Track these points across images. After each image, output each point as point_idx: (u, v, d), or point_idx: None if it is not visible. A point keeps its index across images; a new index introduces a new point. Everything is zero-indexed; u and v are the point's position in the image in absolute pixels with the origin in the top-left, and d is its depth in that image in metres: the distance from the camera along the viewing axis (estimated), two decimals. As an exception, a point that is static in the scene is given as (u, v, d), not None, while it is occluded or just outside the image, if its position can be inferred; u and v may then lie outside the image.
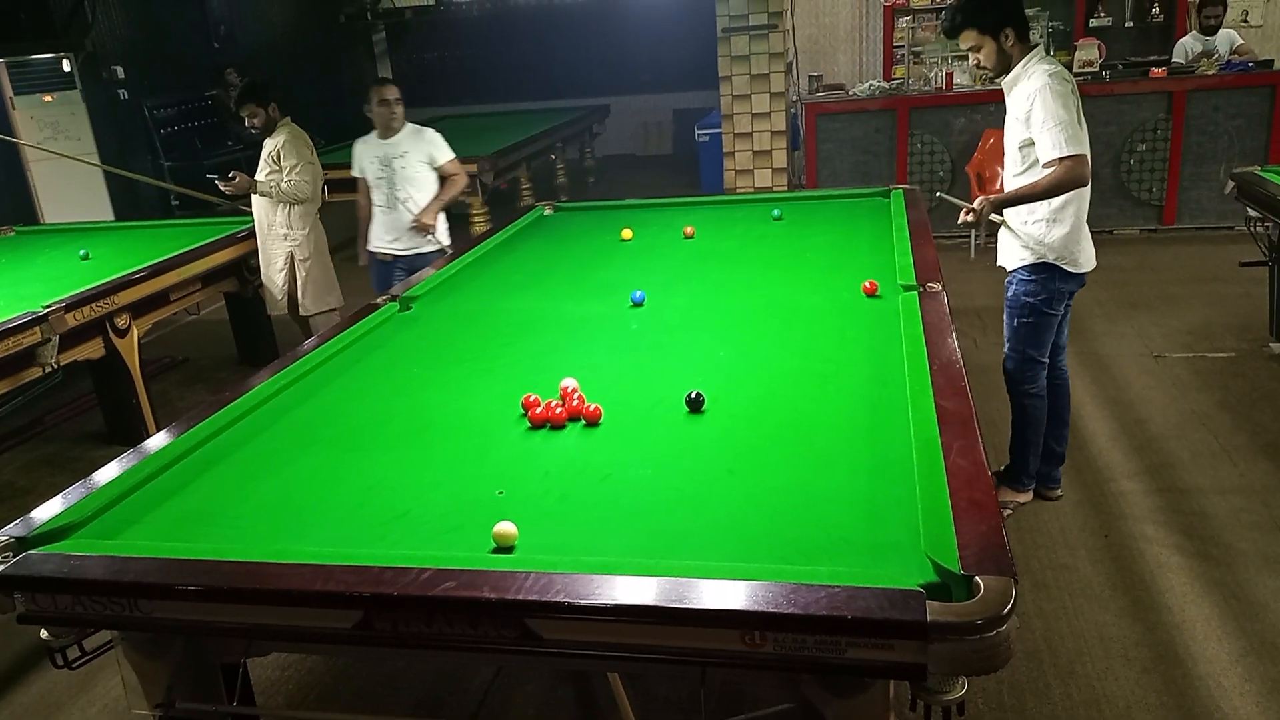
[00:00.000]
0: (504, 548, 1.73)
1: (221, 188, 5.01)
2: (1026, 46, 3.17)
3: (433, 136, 4.77)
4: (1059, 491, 3.57)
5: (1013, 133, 3.22)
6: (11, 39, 7.50)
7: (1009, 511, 3.47)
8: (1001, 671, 2.54)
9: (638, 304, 3.20)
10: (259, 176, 5.03)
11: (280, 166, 4.98)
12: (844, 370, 2.50)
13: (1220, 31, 7.11)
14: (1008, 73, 3.20)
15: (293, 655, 2.91)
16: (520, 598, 1.52)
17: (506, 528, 1.74)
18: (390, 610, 1.57)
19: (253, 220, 5.21)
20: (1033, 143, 3.11)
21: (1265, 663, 2.63)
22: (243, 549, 1.77)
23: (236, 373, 5.53)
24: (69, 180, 8.07)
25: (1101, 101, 6.72)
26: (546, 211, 4.88)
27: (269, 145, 5.04)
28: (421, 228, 4.67)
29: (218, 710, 1.95)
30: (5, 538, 1.84)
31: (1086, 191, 3.17)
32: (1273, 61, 6.90)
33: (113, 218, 8.11)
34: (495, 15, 12.00)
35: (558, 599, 1.51)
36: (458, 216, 8.18)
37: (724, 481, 1.98)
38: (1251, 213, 4.62)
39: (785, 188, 7.61)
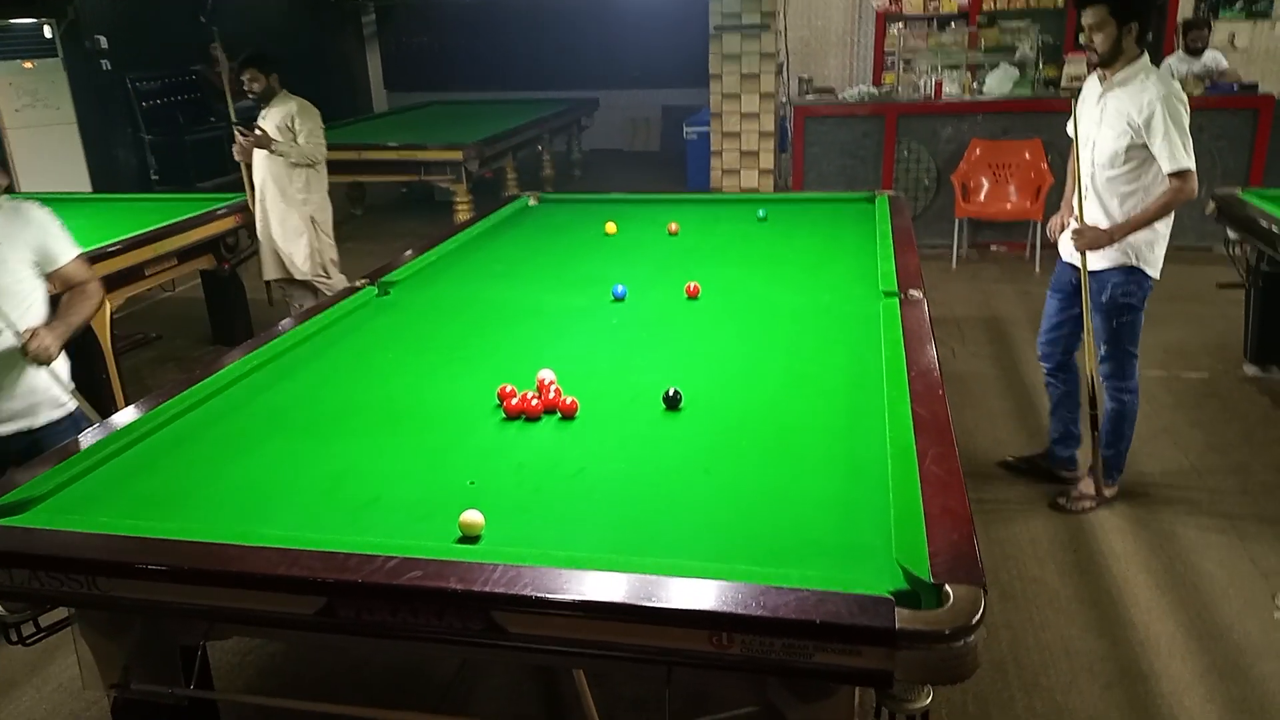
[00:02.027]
0: (470, 537, 1.71)
1: (240, 139, 5.10)
2: (1137, 51, 3.23)
3: (43, 219, 2.89)
4: (1078, 475, 3.74)
5: (1115, 130, 3.24)
6: (-7, 3, 7.38)
7: (1091, 505, 3.57)
8: (967, 681, 2.55)
9: (619, 298, 3.18)
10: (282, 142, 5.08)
11: (295, 130, 5.07)
12: (823, 373, 2.49)
13: (1206, 53, 7.17)
14: (1109, 66, 3.25)
15: (254, 640, 2.87)
16: (487, 590, 1.50)
17: (473, 516, 1.72)
18: (354, 598, 1.55)
19: (236, 197, 5.18)
20: (1143, 146, 3.19)
21: (1227, 682, 2.65)
22: (206, 530, 1.74)
23: (210, 352, 5.46)
24: (46, 149, 7.96)
25: (1088, 117, 6.74)
26: (531, 202, 4.85)
27: (276, 113, 5.11)
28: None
29: (174, 693, 1.92)
30: (-38, 510, 1.80)
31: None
32: (1257, 85, 6.97)
33: (90, 189, 8.00)
34: (487, 2, 11.95)
35: (525, 592, 1.49)
36: (441, 204, 8.15)
37: (699, 480, 1.96)
38: (1231, 235, 4.66)
39: (771, 189, 7.62)
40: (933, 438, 1.98)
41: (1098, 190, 3.35)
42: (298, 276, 5.32)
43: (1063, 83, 7.26)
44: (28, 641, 1.83)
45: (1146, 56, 3.25)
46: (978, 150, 6.97)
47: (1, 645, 2.84)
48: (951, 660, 1.38)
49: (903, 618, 1.39)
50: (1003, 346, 5.25)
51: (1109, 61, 3.24)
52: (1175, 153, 3.12)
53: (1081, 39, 3.29)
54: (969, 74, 7.66)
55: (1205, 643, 2.82)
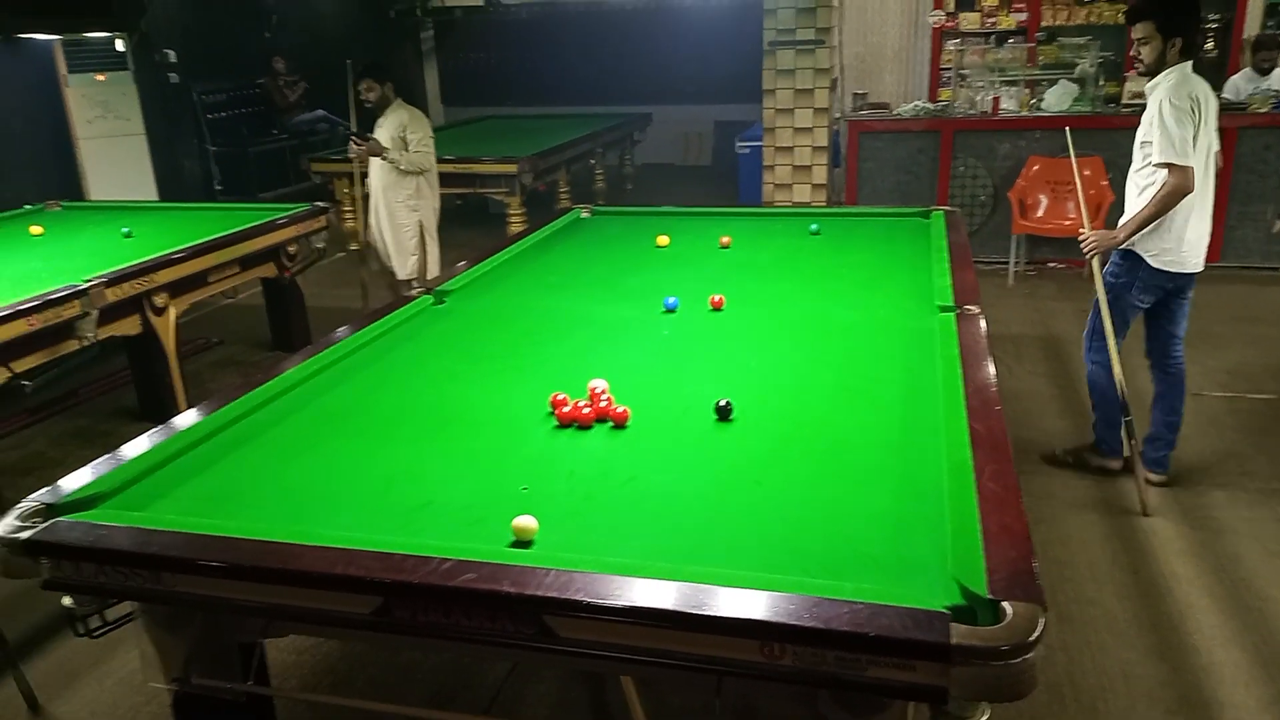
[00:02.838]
0: (523, 541, 1.72)
1: (353, 145, 5.47)
2: (1179, 63, 3.49)
3: None
4: (1118, 462, 3.91)
5: (1140, 131, 3.58)
6: (69, 16, 7.63)
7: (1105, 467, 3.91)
8: (1023, 705, 2.50)
9: (670, 310, 3.19)
10: (391, 150, 5.37)
11: (406, 139, 5.34)
12: (876, 387, 2.47)
13: (1275, 72, 7.00)
14: (1153, 76, 3.53)
15: (309, 640, 2.92)
16: (539, 594, 1.51)
17: (527, 521, 1.73)
18: (409, 598, 1.57)
19: (297, 207, 5.38)
20: (1149, 141, 3.50)
21: (1293, 712, 2.57)
22: (266, 529, 1.77)
23: (269, 357, 5.58)
24: (116, 159, 8.20)
25: (1150, 134, 6.62)
26: (584, 214, 4.88)
27: (390, 122, 5.41)
28: None
29: (233, 688, 1.96)
30: (34, 504, 1.86)
31: (1188, 200, 3.47)
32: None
33: (157, 198, 8.23)
34: (543, 19, 12.08)
35: (577, 597, 1.50)
36: (494, 216, 8.25)
37: (750, 491, 1.96)
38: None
39: (824, 204, 7.58)
40: (990, 454, 1.95)
41: (1129, 186, 3.67)
42: (400, 277, 5.58)
43: (1123, 99, 7.15)
44: (94, 634, 1.88)
45: (1182, 67, 3.48)
46: (1035, 166, 6.87)
47: (68, 637, 2.94)
48: (1008, 678, 1.36)
49: (958, 633, 1.38)
50: (1060, 365, 5.16)
51: (1154, 73, 3.53)
52: (1163, 145, 3.40)
53: (1132, 51, 3.60)
54: (1027, 90, 7.56)
55: (1271, 671, 2.73)
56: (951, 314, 2.89)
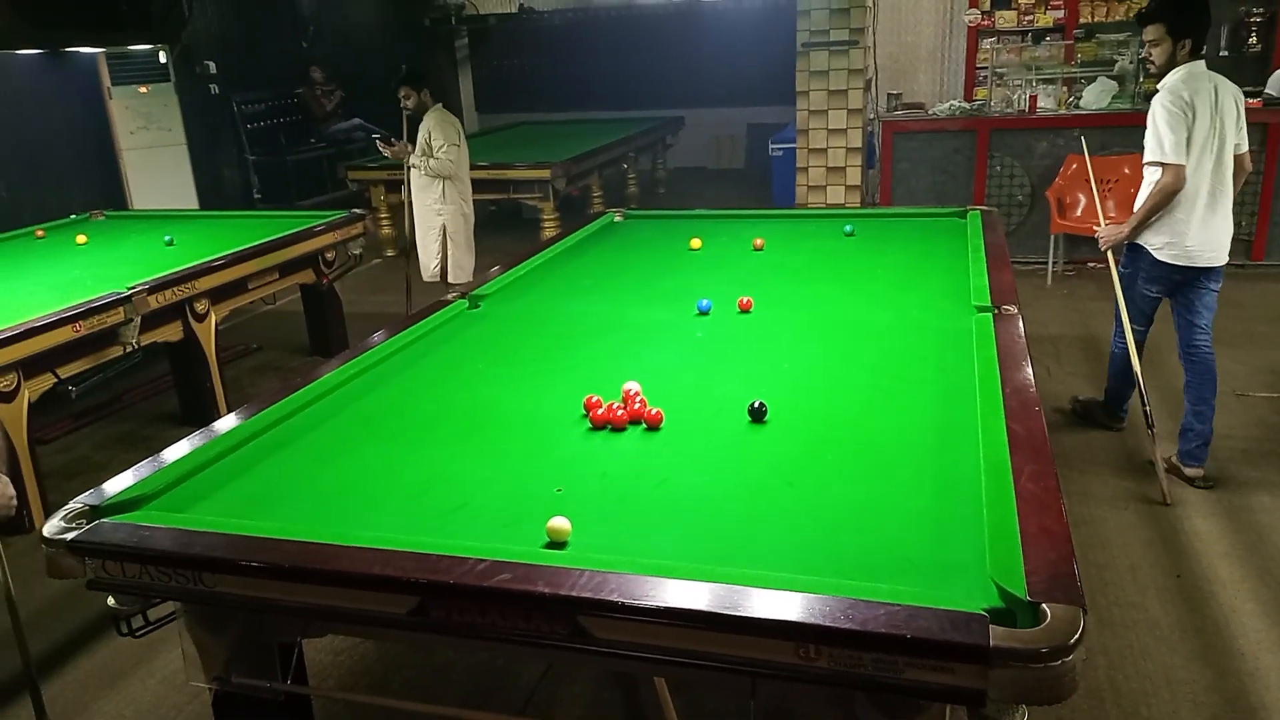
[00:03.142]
0: (557, 543, 1.73)
1: (381, 149, 5.74)
2: (1189, 63, 3.67)
3: None
4: (1123, 426, 4.24)
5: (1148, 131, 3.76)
6: (111, 29, 7.79)
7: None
8: (1062, 709, 2.47)
9: (704, 313, 3.19)
10: (415, 154, 5.57)
11: (431, 145, 5.47)
12: (912, 388, 2.45)
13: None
14: (1163, 77, 3.73)
15: (346, 641, 2.95)
16: (574, 594, 1.51)
17: (561, 523, 1.74)
18: (446, 598, 1.58)
19: (335, 214, 5.49)
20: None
21: (1345, 719, 2.51)
22: (305, 530, 1.80)
23: (307, 362, 5.65)
24: (158, 169, 8.36)
25: (1192, 131, 6.51)
26: (617, 218, 4.90)
27: (424, 127, 5.57)
28: None
29: (272, 687, 1.99)
30: (79, 506, 1.90)
31: (1187, 196, 3.66)
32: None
33: (197, 206, 8.37)
34: (576, 25, 12.13)
35: (611, 598, 1.50)
36: (528, 221, 8.29)
37: (784, 493, 1.95)
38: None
39: (859, 205, 7.53)
40: (1029, 455, 1.93)
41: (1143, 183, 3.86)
42: (424, 279, 5.75)
43: (1165, 96, 7.02)
44: (137, 634, 1.91)
45: (1189, 66, 3.66)
46: (1074, 165, 6.78)
47: (112, 637, 3.00)
48: (1048, 681, 1.34)
49: (998, 635, 1.36)
50: (1100, 366, 5.07)
51: (1164, 73, 3.72)
52: (1152, 145, 3.64)
53: (1144, 54, 3.85)
54: (1065, 88, 7.46)
55: (1321, 678, 2.67)
56: (989, 314, 2.86)
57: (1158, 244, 3.77)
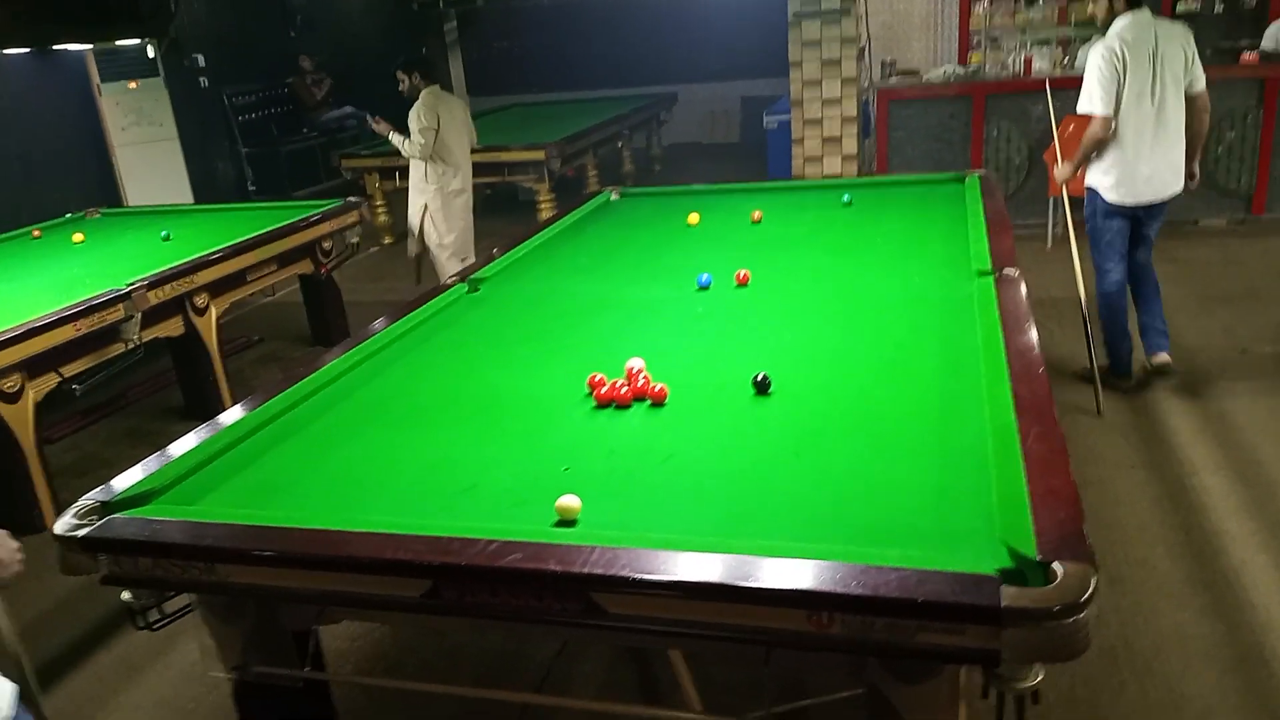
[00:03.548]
0: (567, 521, 1.73)
1: (371, 125, 6.00)
2: (1124, 10, 4.05)
3: None
4: (1131, 382, 4.35)
5: None
6: (100, 26, 7.75)
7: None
8: (1075, 667, 2.48)
9: (704, 287, 3.18)
10: (396, 136, 5.76)
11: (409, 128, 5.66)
12: (915, 356, 2.45)
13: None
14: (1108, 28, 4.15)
15: (361, 627, 2.97)
16: (585, 571, 1.52)
17: (570, 501, 1.74)
18: (458, 580, 1.59)
19: (331, 203, 5.55)
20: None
21: (1356, 668, 2.52)
22: (315, 517, 1.80)
23: (309, 352, 5.65)
24: (151, 164, 8.33)
25: (1188, 87, 6.47)
26: (613, 196, 4.88)
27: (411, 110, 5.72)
28: None
29: (290, 674, 2.00)
30: (90, 502, 1.90)
31: (1132, 139, 4.07)
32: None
33: (192, 200, 8.35)
34: (565, 4, 12.04)
35: (622, 573, 1.51)
36: (524, 204, 8.26)
37: (790, 464, 1.95)
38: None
39: (855, 174, 7.49)
40: (1034, 417, 1.92)
41: None
42: (409, 254, 6.02)
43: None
44: (153, 627, 1.92)
45: (1124, 16, 4.04)
46: (1071, 126, 6.72)
47: (129, 631, 3.02)
48: (1061, 638, 1.35)
49: (1009, 595, 1.36)
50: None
51: (1108, 25, 4.13)
52: (1084, 96, 4.08)
53: (1090, 11, 4.56)
54: (1060, 49, 7.41)
55: (1332, 629, 2.68)
56: (990, 278, 2.85)
57: (1108, 184, 4.17)
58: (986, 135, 6.98)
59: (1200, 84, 4.09)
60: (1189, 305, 5.27)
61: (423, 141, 5.58)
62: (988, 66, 7.40)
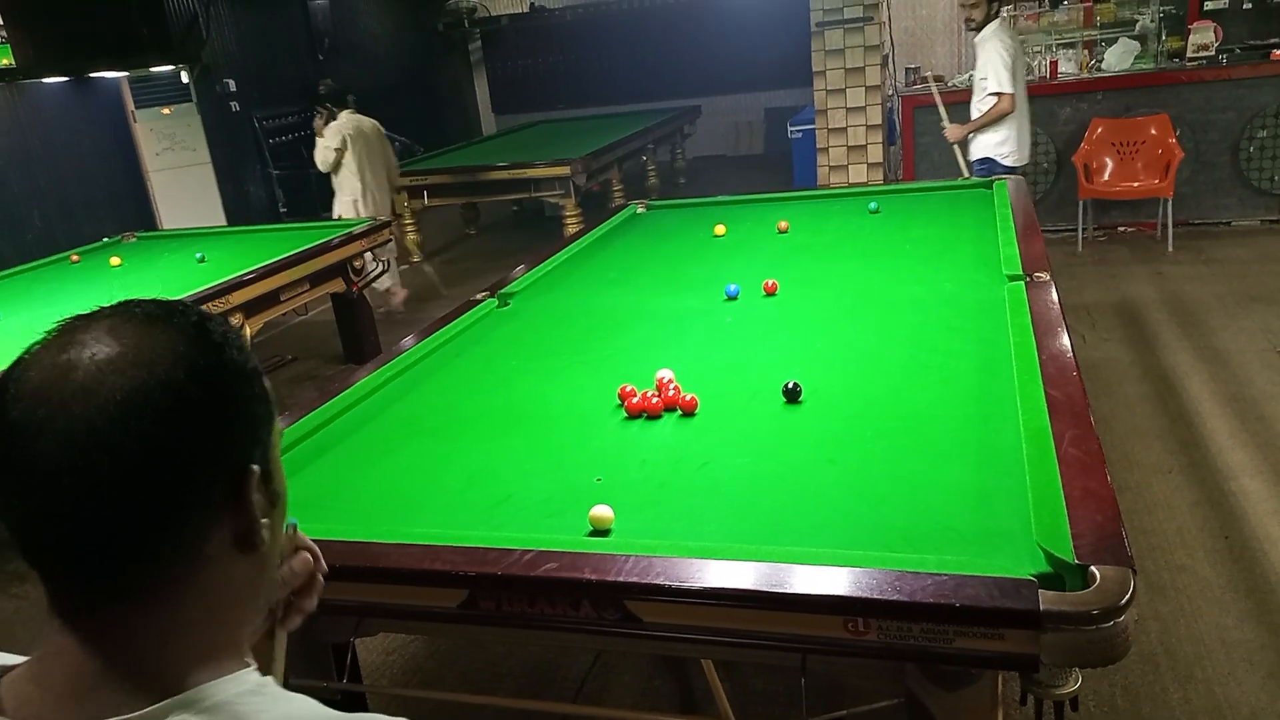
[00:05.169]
0: (600, 531, 1.74)
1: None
2: (997, 15, 5.37)
3: None
4: None
5: (978, 71, 5.44)
6: (133, 54, 7.90)
7: None
8: (1115, 674, 2.45)
9: (732, 297, 3.19)
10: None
11: None
12: (947, 361, 2.44)
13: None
14: (980, 31, 5.36)
15: (398, 640, 2.99)
16: (620, 579, 1.53)
17: (603, 511, 1.75)
18: (494, 590, 1.60)
19: (360, 223, 5.66)
20: (984, 78, 5.34)
21: (1407, 672, 2.47)
22: (353, 530, 1.82)
23: (343, 370, 5.71)
24: (185, 188, 8.48)
25: (1218, 86, 6.42)
26: (639, 210, 4.90)
27: None
28: None
29: (328, 686, 2.02)
30: (133, 518, 1.93)
31: (1021, 113, 5.41)
32: None
33: (225, 223, 8.48)
34: (588, 20, 12.15)
35: (657, 581, 1.51)
36: (551, 219, 8.31)
37: (824, 470, 1.95)
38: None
39: (881, 182, 7.47)
40: (1069, 420, 1.91)
41: (971, 108, 5.55)
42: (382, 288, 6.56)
43: (1189, 53, 6.91)
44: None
45: (1000, 20, 5.38)
46: (1099, 129, 6.69)
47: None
48: (1101, 642, 1.33)
49: (1047, 599, 1.35)
50: (1136, 330, 5.02)
51: (981, 29, 5.35)
52: (991, 79, 5.26)
53: (964, 17, 5.58)
54: (1085, 51, 7.36)
55: (1380, 633, 2.63)
56: (1021, 283, 2.83)
57: (1006, 152, 5.36)
58: (1013, 140, 6.94)
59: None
60: (1225, 305, 5.20)
61: (319, 159, 6.57)
62: (1013, 71, 7.35)
